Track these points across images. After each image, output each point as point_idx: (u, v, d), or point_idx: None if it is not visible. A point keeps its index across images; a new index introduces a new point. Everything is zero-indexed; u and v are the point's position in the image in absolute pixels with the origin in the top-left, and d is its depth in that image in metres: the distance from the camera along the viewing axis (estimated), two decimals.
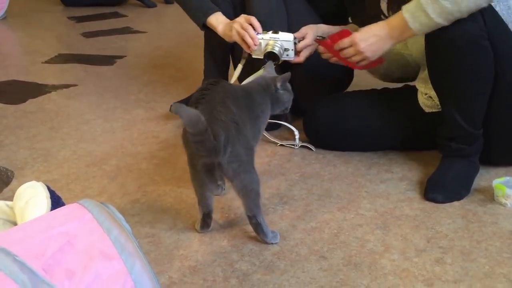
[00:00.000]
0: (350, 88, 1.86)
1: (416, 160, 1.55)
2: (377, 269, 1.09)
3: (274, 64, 1.54)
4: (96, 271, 0.84)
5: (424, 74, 1.50)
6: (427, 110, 1.48)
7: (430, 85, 1.41)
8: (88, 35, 3.25)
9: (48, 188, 1.17)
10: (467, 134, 1.33)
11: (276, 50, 1.52)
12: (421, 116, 1.49)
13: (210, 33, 1.73)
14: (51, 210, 1.08)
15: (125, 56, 2.76)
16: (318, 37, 1.49)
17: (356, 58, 1.34)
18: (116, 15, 3.87)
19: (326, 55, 1.46)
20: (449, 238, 1.17)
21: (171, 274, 1.10)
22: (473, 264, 1.11)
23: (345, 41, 1.32)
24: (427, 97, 1.47)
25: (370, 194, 1.39)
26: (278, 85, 1.29)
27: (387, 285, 1.05)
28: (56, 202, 1.13)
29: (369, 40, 1.29)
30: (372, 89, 1.66)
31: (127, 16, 3.82)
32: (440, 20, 1.20)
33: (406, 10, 1.24)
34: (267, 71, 1.38)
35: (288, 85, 1.32)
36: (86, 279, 0.79)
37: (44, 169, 1.57)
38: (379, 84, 1.70)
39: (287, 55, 1.55)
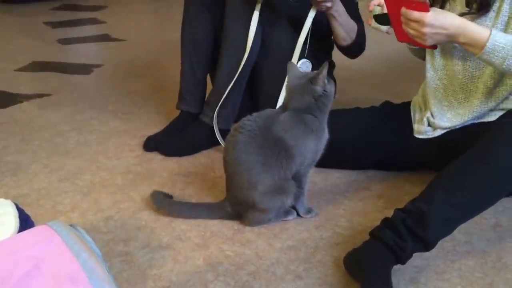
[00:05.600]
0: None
1: (393, 178, 1.55)
2: None
3: (297, 1, 1.50)
4: None
5: (421, 98, 1.51)
6: (417, 135, 1.47)
7: (429, 109, 1.42)
8: (65, 41, 3.20)
9: (17, 206, 1.12)
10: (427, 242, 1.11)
11: None
12: (409, 139, 1.48)
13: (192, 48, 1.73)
14: (19, 229, 1.04)
15: (103, 64, 2.72)
16: None
17: (413, 34, 1.24)
18: (94, 21, 3.83)
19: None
20: (424, 257, 1.18)
21: None
22: (446, 284, 1.11)
23: (415, 15, 1.21)
24: (422, 121, 1.46)
25: (348, 212, 1.39)
26: (326, 82, 1.26)
27: None
28: (25, 221, 1.09)
29: (437, 29, 1.20)
30: (357, 107, 1.63)
31: (106, 22, 3.77)
32: (504, 69, 1.22)
33: (493, 41, 1.19)
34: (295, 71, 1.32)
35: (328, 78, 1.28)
36: None
37: (14, 183, 1.52)
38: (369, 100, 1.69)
39: None
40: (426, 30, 1.21)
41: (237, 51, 1.65)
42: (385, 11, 1.34)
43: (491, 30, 1.21)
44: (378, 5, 1.39)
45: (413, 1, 1.24)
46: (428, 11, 1.20)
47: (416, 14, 1.21)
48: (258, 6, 1.62)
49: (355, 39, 1.70)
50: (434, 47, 1.31)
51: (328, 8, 1.57)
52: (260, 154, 1.25)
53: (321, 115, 1.29)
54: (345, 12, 1.62)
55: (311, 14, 1.61)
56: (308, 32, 1.62)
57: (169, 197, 1.40)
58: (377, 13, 1.40)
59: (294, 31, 1.67)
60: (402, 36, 1.31)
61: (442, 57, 1.42)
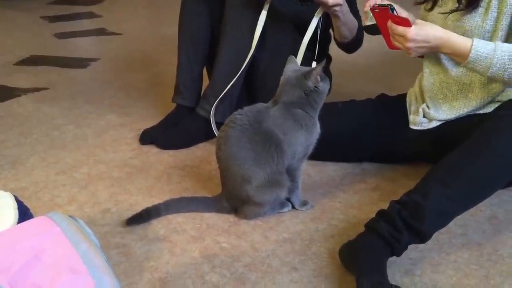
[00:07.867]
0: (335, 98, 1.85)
1: (389, 170, 1.56)
2: (347, 281, 1.10)
3: (305, 5, 1.49)
4: (63, 286, 0.83)
5: (418, 89, 1.52)
6: (413, 127, 1.48)
7: (424, 100, 1.44)
8: (62, 36, 3.19)
9: (16, 198, 1.13)
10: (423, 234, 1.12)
11: None
12: (404, 131, 1.49)
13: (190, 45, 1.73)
14: (18, 221, 1.05)
15: (100, 58, 2.72)
16: (377, 5, 1.35)
17: (399, 46, 1.30)
18: (91, 15, 3.82)
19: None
20: (419, 249, 1.19)
21: (140, 286, 1.09)
22: (442, 276, 1.12)
23: (399, 29, 1.26)
24: (417, 112, 1.47)
25: (343, 204, 1.40)
26: (319, 79, 1.27)
27: None
28: (24, 213, 1.10)
29: (420, 43, 1.26)
30: (352, 100, 1.64)
31: (102, 16, 3.76)
32: (489, 76, 1.25)
33: (476, 51, 1.22)
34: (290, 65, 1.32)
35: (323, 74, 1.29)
36: None
37: (12, 176, 1.53)
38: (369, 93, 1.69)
39: None
40: (410, 44, 1.26)
41: (236, 46, 1.65)
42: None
43: (473, 40, 1.23)
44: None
45: (397, 16, 1.30)
46: (410, 26, 1.25)
47: (400, 29, 1.26)
48: (267, 6, 1.62)
49: (355, 35, 1.71)
50: (421, 56, 1.36)
51: (336, 10, 1.57)
52: (252, 148, 1.26)
53: (312, 111, 1.30)
54: (349, 11, 1.62)
55: (318, 16, 1.61)
56: (317, 34, 1.62)
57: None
58: (366, 24, 1.43)
59: (295, 28, 1.68)
60: (392, 45, 1.34)
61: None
